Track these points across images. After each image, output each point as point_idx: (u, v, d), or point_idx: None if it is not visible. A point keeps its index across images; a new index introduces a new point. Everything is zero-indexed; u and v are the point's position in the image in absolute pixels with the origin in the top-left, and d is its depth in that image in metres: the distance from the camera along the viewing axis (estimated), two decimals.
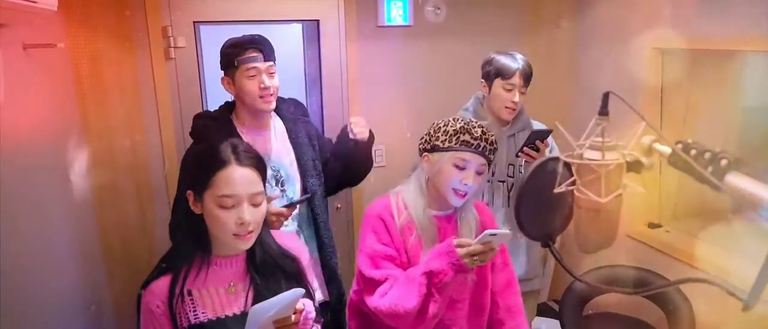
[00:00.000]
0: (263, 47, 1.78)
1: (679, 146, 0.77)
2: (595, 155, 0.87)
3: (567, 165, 0.93)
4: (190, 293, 1.28)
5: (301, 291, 1.21)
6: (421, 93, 2.81)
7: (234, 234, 1.24)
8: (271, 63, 1.79)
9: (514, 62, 2.05)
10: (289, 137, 1.91)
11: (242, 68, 1.76)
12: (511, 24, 2.88)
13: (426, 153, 1.60)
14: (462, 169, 1.52)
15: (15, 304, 1.40)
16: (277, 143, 1.89)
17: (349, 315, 1.77)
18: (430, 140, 1.59)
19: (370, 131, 1.98)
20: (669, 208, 2.52)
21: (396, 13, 2.66)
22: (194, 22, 2.40)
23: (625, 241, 2.55)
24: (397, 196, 1.64)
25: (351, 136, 1.90)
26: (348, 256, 2.86)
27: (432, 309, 1.48)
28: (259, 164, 1.30)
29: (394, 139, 2.78)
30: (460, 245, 1.41)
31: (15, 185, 1.45)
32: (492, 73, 2.07)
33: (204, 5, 2.40)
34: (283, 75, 2.16)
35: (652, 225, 2.49)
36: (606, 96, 0.88)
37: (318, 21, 2.59)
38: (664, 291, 2.13)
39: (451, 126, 1.55)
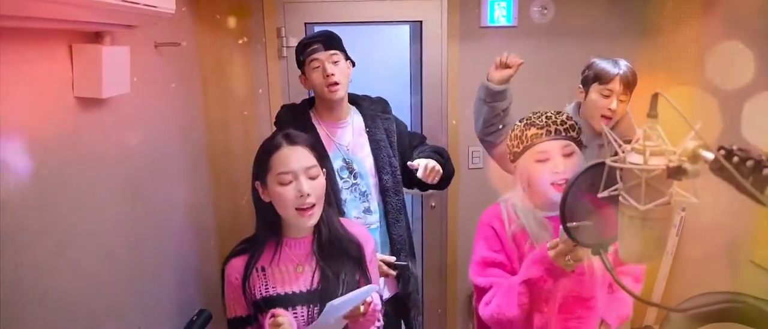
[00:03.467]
0: (323, 39, 1.89)
1: (722, 152, 0.71)
2: (637, 159, 0.83)
3: (614, 169, 0.89)
4: (263, 269, 1.43)
5: (375, 287, 1.31)
6: (524, 95, 2.73)
7: (297, 209, 1.37)
8: (334, 52, 1.88)
9: (615, 67, 1.92)
10: (367, 132, 1.99)
11: (308, 63, 1.89)
12: (626, 25, 2.70)
13: (514, 164, 1.59)
14: (545, 161, 1.48)
15: (147, 271, 1.64)
16: (353, 136, 1.98)
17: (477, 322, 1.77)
18: (510, 151, 1.59)
19: (448, 165, 2.01)
20: None
21: (499, 14, 2.63)
22: (305, 23, 2.59)
23: (748, 267, 2.26)
24: (507, 203, 1.62)
25: (420, 176, 1.89)
26: (439, 253, 2.89)
27: (538, 321, 1.49)
28: (309, 142, 1.44)
29: None
30: (551, 248, 1.38)
31: (141, 171, 1.69)
32: (590, 78, 1.97)
33: (315, 8, 2.58)
34: (390, 74, 2.24)
35: None
36: (655, 97, 0.83)
37: (421, 22, 2.65)
38: None
39: (516, 129, 1.55)
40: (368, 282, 1.48)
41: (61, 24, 1.18)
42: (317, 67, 1.88)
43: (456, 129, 2.77)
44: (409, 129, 2.18)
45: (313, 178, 1.41)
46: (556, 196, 1.48)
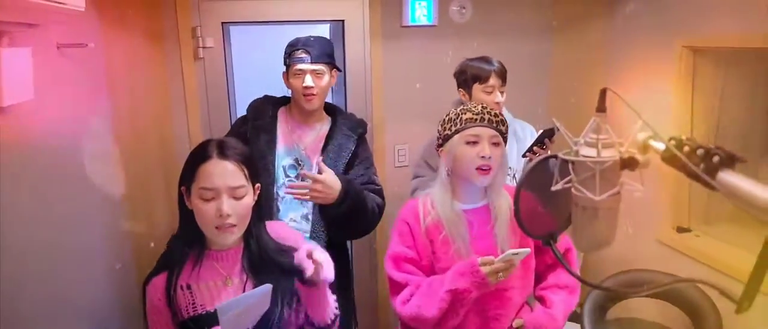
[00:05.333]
0: (312, 49, 1.89)
1: (672, 142, 0.75)
2: (590, 151, 0.86)
3: (565, 162, 0.92)
4: (189, 287, 1.34)
5: (269, 287, 1.24)
6: (445, 93, 2.80)
7: (216, 227, 1.28)
8: (319, 66, 1.90)
9: (489, 64, 2.10)
10: (325, 143, 1.96)
11: (292, 67, 1.90)
12: (538, 24, 2.85)
13: (441, 149, 1.65)
14: (475, 143, 1.56)
15: (44, 302, 1.47)
16: (313, 142, 1.97)
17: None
18: (440, 135, 1.65)
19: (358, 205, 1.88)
20: (699, 212, 2.43)
21: (420, 13, 2.67)
22: (222, 22, 2.47)
23: (652, 245, 2.48)
24: (426, 198, 1.68)
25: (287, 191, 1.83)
26: (368, 257, 2.88)
27: (452, 322, 1.54)
28: (243, 159, 1.34)
29: (417, 138, 2.78)
30: (484, 264, 1.45)
31: (47, 180, 1.52)
32: (469, 80, 2.12)
33: (232, 6, 2.47)
34: None
35: (681, 230, 2.41)
36: (603, 92, 0.87)
37: (343, 21, 2.63)
38: (689, 296, 2.06)
39: (452, 113, 1.62)
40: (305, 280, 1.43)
41: None
42: (298, 75, 1.89)
43: (381, 128, 2.78)
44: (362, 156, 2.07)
45: (238, 198, 1.31)
46: (482, 180, 1.57)
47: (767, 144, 2.31)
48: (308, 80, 1.87)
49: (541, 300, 1.70)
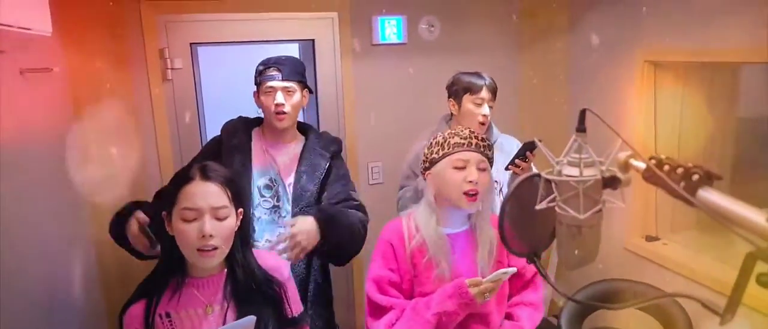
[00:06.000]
0: (283, 67, 1.88)
1: (653, 161, 0.78)
2: (573, 171, 0.88)
3: (548, 182, 0.94)
4: (168, 315, 1.30)
5: (253, 318, 1.22)
6: (417, 110, 2.83)
7: (198, 250, 1.26)
8: (290, 84, 1.88)
9: (480, 78, 2.15)
10: (299, 162, 1.94)
11: (263, 85, 1.88)
12: (504, 41, 2.91)
13: (427, 173, 1.64)
14: (462, 168, 1.56)
15: (10, 320, 1.41)
16: (286, 161, 1.95)
17: None
18: (427, 159, 1.65)
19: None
20: (666, 221, 2.51)
21: (390, 32, 2.69)
22: (191, 43, 2.44)
23: (622, 254, 2.54)
24: (409, 218, 1.66)
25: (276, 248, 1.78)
26: (345, 276, 2.86)
27: None
28: (226, 181, 1.33)
29: (390, 155, 2.80)
30: (472, 285, 1.46)
31: (13, 208, 1.46)
32: (460, 91, 2.16)
33: (200, 27, 2.45)
34: None
35: (650, 238, 2.49)
36: (582, 113, 0.89)
37: (313, 40, 2.63)
38: (661, 304, 2.12)
39: (439, 137, 1.61)
40: (291, 313, 1.42)
41: None
42: (270, 93, 1.87)
43: (354, 145, 2.78)
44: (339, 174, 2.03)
45: (220, 219, 1.28)
46: (470, 205, 1.57)
47: (727, 157, 2.41)
48: (279, 97, 1.85)
49: (509, 316, 1.72)
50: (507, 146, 2.26)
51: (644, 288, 2.18)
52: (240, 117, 2.04)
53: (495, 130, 2.27)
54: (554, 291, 1.53)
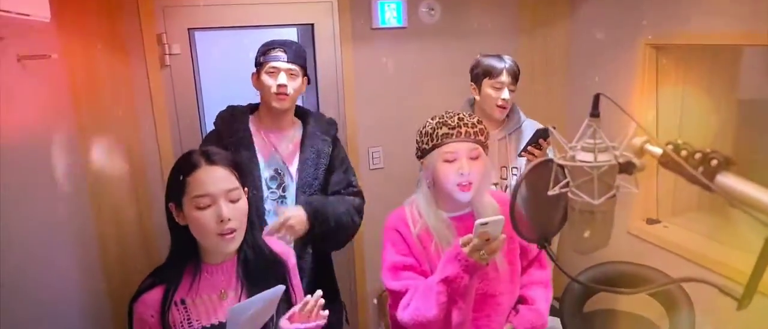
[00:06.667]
0: (288, 50, 1.86)
1: (670, 146, 0.77)
2: (587, 157, 0.87)
3: (561, 167, 0.94)
4: (183, 302, 1.30)
5: (282, 288, 1.23)
6: (417, 94, 2.81)
7: (218, 235, 1.25)
8: (294, 66, 1.87)
9: (501, 62, 2.10)
10: (300, 148, 1.93)
11: (265, 65, 1.86)
12: (505, 25, 2.88)
13: (421, 160, 1.62)
14: (453, 161, 1.52)
15: (12, 311, 1.40)
16: (288, 148, 1.93)
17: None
18: (418, 147, 1.62)
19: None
20: (667, 204, 2.52)
21: (390, 15, 2.66)
22: (189, 28, 2.40)
23: (624, 237, 2.55)
24: (411, 205, 1.65)
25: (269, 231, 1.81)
26: (346, 262, 2.86)
27: (456, 317, 1.50)
28: (230, 161, 1.33)
29: (391, 140, 2.79)
30: (464, 244, 1.39)
31: (12, 195, 1.45)
32: (480, 75, 2.13)
33: (198, 12, 2.41)
34: None
35: (651, 221, 2.50)
36: (596, 98, 0.88)
37: (312, 25, 2.59)
38: (664, 288, 2.13)
39: (428, 126, 1.57)
40: (296, 296, 1.42)
41: None
42: (272, 73, 1.85)
43: (354, 131, 2.77)
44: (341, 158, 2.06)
45: (233, 201, 1.28)
46: (461, 196, 1.54)
47: (727, 140, 2.41)
48: (282, 78, 1.83)
49: (522, 299, 1.72)
50: (531, 130, 2.24)
51: (647, 270, 2.19)
52: (230, 107, 2.00)
53: (520, 114, 2.23)
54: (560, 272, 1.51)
